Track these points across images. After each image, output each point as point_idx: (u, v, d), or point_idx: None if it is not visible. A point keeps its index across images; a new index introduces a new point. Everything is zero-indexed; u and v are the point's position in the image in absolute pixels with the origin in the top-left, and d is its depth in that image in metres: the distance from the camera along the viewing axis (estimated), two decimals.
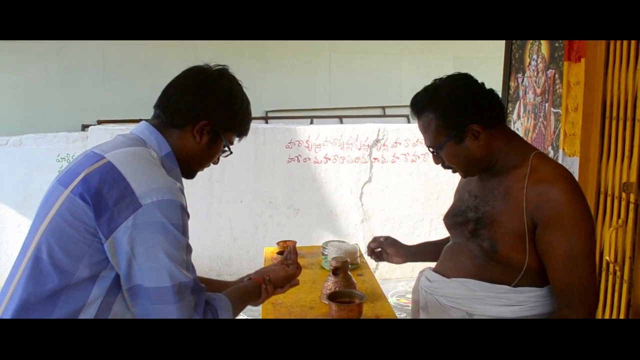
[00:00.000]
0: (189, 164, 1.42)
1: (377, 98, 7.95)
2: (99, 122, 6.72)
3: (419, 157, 5.01)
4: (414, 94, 1.59)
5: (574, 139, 2.50)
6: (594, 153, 2.40)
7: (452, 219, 1.68)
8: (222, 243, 4.84)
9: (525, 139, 2.98)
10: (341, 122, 7.41)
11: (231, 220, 4.83)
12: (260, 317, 2.21)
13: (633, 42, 2.18)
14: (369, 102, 7.93)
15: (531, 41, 2.98)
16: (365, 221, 5.05)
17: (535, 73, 2.92)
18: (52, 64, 7.12)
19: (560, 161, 2.60)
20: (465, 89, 1.52)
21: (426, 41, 7.38)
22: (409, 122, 7.40)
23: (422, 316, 1.72)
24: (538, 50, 2.90)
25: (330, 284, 2.27)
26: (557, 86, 2.69)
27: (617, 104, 2.28)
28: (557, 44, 2.70)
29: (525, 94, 3.05)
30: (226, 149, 1.45)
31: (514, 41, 3.18)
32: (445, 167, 1.60)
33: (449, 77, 1.57)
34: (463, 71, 1.60)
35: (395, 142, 5.00)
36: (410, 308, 1.88)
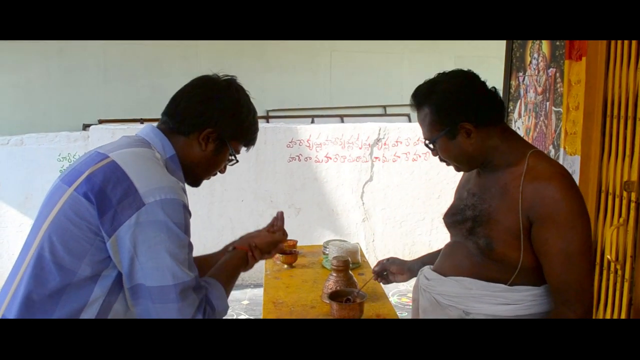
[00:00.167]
0: (194, 171, 1.43)
1: (378, 97, 7.95)
2: (100, 122, 6.73)
3: (420, 156, 5.01)
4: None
5: (575, 137, 2.50)
6: (595, 152, 2.40)
7: (451, 217, 1.68)
8: (223, 242, 4.77)
9: (526, 137, 2.98)
10: (342, 121, 7.41)
11: (232, 220, 4.83)
12: (261, 316, 2.21)
13: (634, 41, 2.18)
14: (370, 101, 7.92)
15: (532, 40, 2.97)
16: (366, 220, 5.05)
17: (536, 72, 2.92)
18: (53, 63, 7.12)
19: (561, 160, 2.60)
20: (461, 86, 1.53)
21: (427, 40, 7.37)
22: (409, 121, 7.40)
23: (421, 314, 1.73)
24: (539, 49, 2.89)
25: (331, 283, 2.27)
26: (558, 85, 2.69)
27: (618, 102, 2.27)
28: (558, 43, 2.70)
29: (526, 92, 3.04)
30: (232, 157, 1.47)
31: (514, 40, 3.18)
32: (441, 160, 1.62)
33: (450, 73, 1.58)
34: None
35: (396, 141, 5.01)
36: (411, 307, 1.88)
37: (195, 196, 4.99)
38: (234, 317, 4.17)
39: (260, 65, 7.48)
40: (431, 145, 1.58)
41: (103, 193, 1.18)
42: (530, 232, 1.47)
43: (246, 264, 1.55)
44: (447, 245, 1.74)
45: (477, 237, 1.54)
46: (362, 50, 7.69)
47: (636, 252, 2.15)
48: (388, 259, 2.09)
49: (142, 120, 6.50)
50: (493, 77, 1.76)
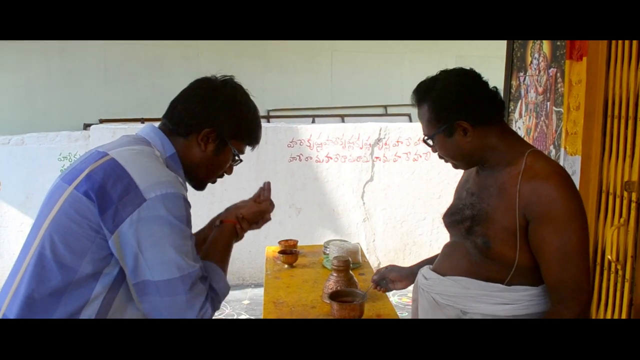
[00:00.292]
0: (196, 173, 1.43)
1: (378, 97, 7.94)
2: (101, 121, 6.73)
3: (420, 156, 5.01)
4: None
5: (576, 137, 2.49)
6: (596, 152, 2.39)
7: (450, 217, 1.69)
8: None
9: (527, 137, 2.98)
10: (343, 121, 7.40)
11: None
12: (261, 316, 2.21)
13: (635, 41, 2.17)
14: (370, 101, 7.92)
15: (533, 40, 2.97)
16: (367, 220, 5.05)
17: (537, 72, 2.92)
18: (54, 63, 7.12)
19: (562, 160, 2.60)
20: (459, 85, 1.54)
21: (428, 40, 7.37)
22: (410, 121, 7.40)
23: (420, 314, 1.74)
24: (540, 49, 2.89)
25: (331, 283, 2.27)
26: (559, 85, 2.68)
27: (619, 102, 2.27)
28: (558, 43, 2.70)
29: (527, 92, 3.04)
30: (236, 157, 1.46)
31: (515, 40, 3.18)
32: (440, 156, 1.63)
33: (451, 71, 1.59)
34: None
35: (397, 141, 5.00)
36: (411, 307, 1.89)
37: (195, 196, 4.94)
38: (235, 317, 4.18)
39: (260, 65, 7.48)
40: (430, 142, 1.60)
41: (103, 190, 1.19)
42: (527, 230, 1.48)
43: (236, 237, 1.53)
44: (446, 245, 1.74)
45: (475, 236, 1.54)
46: (363, 50, 7.68)
47: (637, 252, 2.15)
48: (387, 267, 2.08)
49: (142, 120, 6.50)
50: (494, 77, 1.76)
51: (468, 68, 1.59)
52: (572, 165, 2.51)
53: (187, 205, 1.27)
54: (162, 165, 1.29)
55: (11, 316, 1.20)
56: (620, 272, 2.24)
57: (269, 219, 1.61)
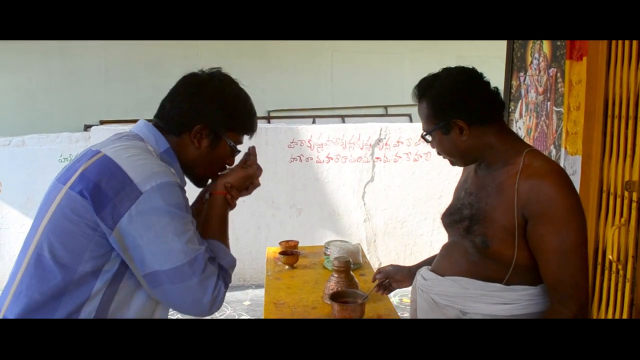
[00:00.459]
0: (195, 171, 1.43)
1: (379, 97, 7.94)
2: (102, 123, 6.73)
3: (421, 157, 5.00)
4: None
5: (576, 137, 2.49)
6: (596, 152, 2.39)
7: (449, 217, 1.70)
8: None
9: (528, 138, 2.98)
10: (343, 122, 7.41)
11: (233, 220, 4.78)
12: (262, 317, 2.21)
13: (635, 41, 2.17)
14: (371, 102, 7.91)
15: (533, 40, 2.97)
16: (368, 221, 5.05)
17: (537, 72, 2.92)
18: (54, 64, 7.12)
19: (562, 160, 2.60)
20: (458, 84, 1.55)
21: (428, 40, 7.36)
22: (411, 121, 7.40)
23: (419, 315, 1.74)
24: (540, 49, 2.89)
25: (332, 284, 2.27)
26: (559, 85, 2.68)
27: (619, 102, 2.27)
28: (558, 43, 2.70)
29: (527, 92, 3.04)
30: (234, 148, 1.44)
31: (515, 40, 3.18)
32: (438, 153, 1.65)
33: (452, 69, 1.60)
34: None
35: (398, 142, 5.00)
36: (409, 308, 1.89)
37: (196, 197, 4.97)
38: (236, 318, 4.17)
39: (261, 66, 7.48)
40: (428, 137, 1.62)
41: (98, 188, 1.19)
42: (526, 229, 1.48)
43: (228, 206, 1.50)
44: (445, 246, 1.74)
45: (474, 236, 1.55)
46: (363, 51, 7.68)
47: (638, 252, 2.14)
48: (389, 268, 2.07)
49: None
50: (494, 77, 1.77)
51: (470, 67, 1.60)
52: (573, 165, 2.51)
53: (183, 192, 1.28)
54: (153, 157, 1.29)
55: (12, 317, 1.20)
56: (621, 272, 2.24)
57: (259, 184, 1.56)
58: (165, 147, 1.36)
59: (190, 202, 1.38)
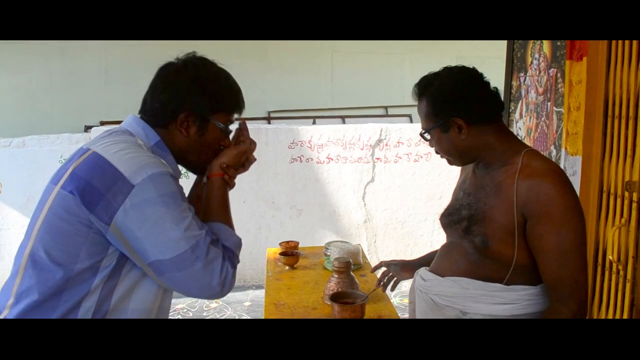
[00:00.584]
0: (189, 159, 1.41)
1: (379, 98, 7.95)
2: (102, 123, 6.73)
3: (421, 157, 5.00)
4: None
5: (577, 137, 2.49)
6: (597, 152, 2.39)
7: (447, 217, 1.70)
8: None
9: (528, 138, 2.98)
10: (343, 122, 7.41)
11: (234, 221, 4.81)
12: (263, 318, 2.21)
13: (635, 41, 2.17)
14: (371, 102, 7.92)
15: (533, 40, 2.97)
16: (368, 221, 5.05)
17: (537, 72, 2.92)
18: (54, 65, 7.13)
19: (562, 160, 2.60)
20: (458, 83, 1.56)
21: (428, 41, 7.38)
22: (411, 121, 7.41)
23: (418, 316, 1.74)
24: (540, 49, 2.89)
25: (332, 284, 2.27)
26: (559, 85, 2.68)
27: (619, 102, 2.27)
28: (558, 43, 2.70)
29: (527, 93, 3.04)
30: (224, 129, 1.41)
31: (515, 40, 3.18)
32: (436, 151, 1.65)
33: (452, 68, 1.61)
34: None
35: (398, 142, 5.00)
36: (408, 309, 1.89)
37: None
38: (236, 319, 4.18)
39: (261, 66, 7.49)
40: (427, 135, 1.63)
41: (90, 185, 1.19)
42: (525, 229, 1.49)
43: (227, 186, 1.47)
44: (444, 246, 1.75)
45: (473, 236, 1.55)
46: (364, 51, 7.69)
47: (638, 253, 2.14)
48: (392, 265, 2.06)
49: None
50: (494, 77, 1.77)
51: (471, 67, 1.61)
52: (573, 165, 2.51)
53: (176, 180, 1.27)
54: (143, 150, 1.28)
55: (12, 317, 1.21)
56: (621, 273, 2.24)
57: (254, 158, 1.52)
58: (155, 140, 1.35)
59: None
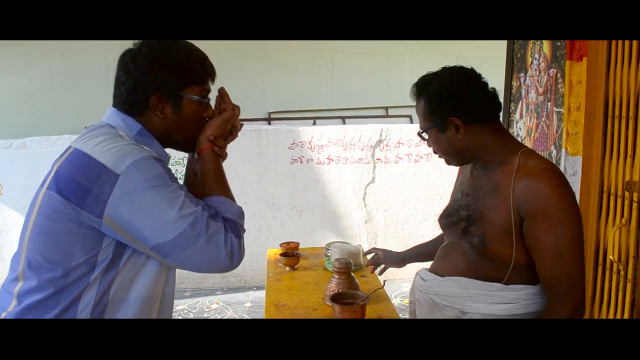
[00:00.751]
0: (172, 139, 1.38)
1: (379, 98, 7.94)
2: None
3: (422, 158, 5.00)
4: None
5: (577, 138, 2.49)
6: (597, 152, 2.39)
7: (446, 218, 1.71)
8: None
9: (528, 138, 2.98)
10: (344, 123, 7.40)
11: None
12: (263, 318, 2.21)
13: (635, 41, 2.17)
14: (371, 103, 7.92)
15: (533, 40, 2.97)
16: (369, 222, 5.05)
17: (537, 72, 2.91)
18: (55, 66, 7.13)
19: (562, 160, 2.60)
20: (456, 82, 1.57)
21: (428, 41, 7.38)
22: (411, 122, 7.40)
23: (418, 316, 1.75)
24: (540, 50, 2.89)
25: (333, 285, 2.27)
26: (559, 85, 2.68)
27: (619, 102, 2.27)
28: (558, 43, 2.70)
29: (527, 93, 3.04)
30: (202, 100, 1.38)
31: (515, 41, 3.18)
32: (434, 151, 1.67)
33: (451, 68, 1.62)
34: None
35: (398, 143, 5.00)
36: (408, 309, 1.90)
37: None
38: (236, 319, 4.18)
39: (261, 67, 7.48)
40: (424, 135, 1.64)
41: (75, 182, 1.19)
42: (522, 228, 1.49)
43: (219, 158, 1.44)
44: (443, 247, 1.75)
45: (472, 236, 1.56)
46: (364, 52, 7.68)
47: (638, 253, 2.14)
48: (381, 255, 2.27)
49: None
50: (494, 77, 1.78)
51: (469, 67, 1.62)
52: (573, 165, 2.51)
53: (161, 162, 1.25)
54: (123, 139, 1.26)
55: (12, 317, 1.21)
56: (622, 273, 2.24)
57: (239, 124, 1.48)
58: (137, 129, 1.33)
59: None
